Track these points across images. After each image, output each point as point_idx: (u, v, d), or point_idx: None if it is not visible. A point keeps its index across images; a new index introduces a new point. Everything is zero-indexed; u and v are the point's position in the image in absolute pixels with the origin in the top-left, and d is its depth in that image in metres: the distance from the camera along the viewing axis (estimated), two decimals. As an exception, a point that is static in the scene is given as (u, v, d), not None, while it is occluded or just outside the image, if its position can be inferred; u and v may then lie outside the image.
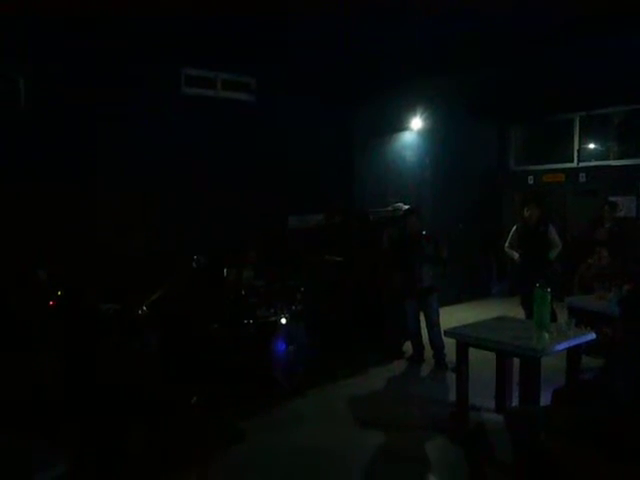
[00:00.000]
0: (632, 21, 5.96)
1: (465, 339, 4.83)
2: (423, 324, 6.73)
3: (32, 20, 5.34)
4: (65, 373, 3.94)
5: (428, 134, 9.52)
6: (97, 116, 6.09)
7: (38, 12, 5.13)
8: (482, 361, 5.26)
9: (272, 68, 7.40)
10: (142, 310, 4.74)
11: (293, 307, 5.93)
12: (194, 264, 5.59)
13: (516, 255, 7.34)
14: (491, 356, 5.09)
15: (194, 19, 5.73)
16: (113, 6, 5.27)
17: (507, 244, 7.52)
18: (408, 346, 7.12)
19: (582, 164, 10.03)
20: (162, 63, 6.61)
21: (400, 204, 8.35)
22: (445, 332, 5.15)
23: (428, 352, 6.79)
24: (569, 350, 4.65)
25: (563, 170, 10.26)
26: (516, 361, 4.89)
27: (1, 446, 2.69)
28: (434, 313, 6.58)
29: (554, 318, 5.62)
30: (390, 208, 8.31)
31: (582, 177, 9.98)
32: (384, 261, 7.12)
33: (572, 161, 10.15)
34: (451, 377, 5.13)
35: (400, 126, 9.24)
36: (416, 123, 9.25)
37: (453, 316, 6.84)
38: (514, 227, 7.62)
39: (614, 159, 9.69)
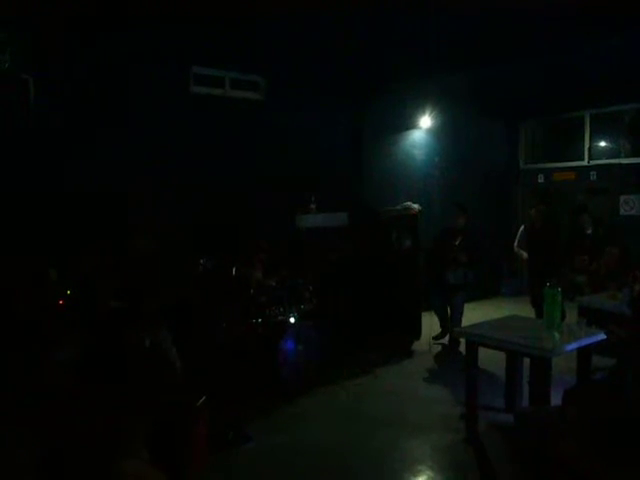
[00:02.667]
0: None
1: (475, 338, 4.80)
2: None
3: (42, 20, 5.36)
4: (75, 371, 3.95)
5: (437, 133, 9.49)
6: (106, 114, 6.10)
7: (48, 11, 5.17)
8: (492, 361, 5.24)
9: (281, 67, 7.39)
10: (152, 309, 4.73)
11: (302, 306, 5.93)
12: (201, 267, 5.61)
13: (525, 254, 7.32)
14: (501, 356, 5.06)
15: (203, 18, 5.73)
16: (123, 5, 5.29)
17: (516, 243, 7.50)
18: (417, 345, 7.13)
19: (593, 162, 9.96)
20: (171, 62, 6.62)
21: (409, 203, 8.32)
22: (455, 331, 5.14)
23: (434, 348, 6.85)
24: (580, 350, 4.61)
25: (574, 168, 10.19)
26: (526, 360, 4.86)
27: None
28: (458, 309, 6.87)
29: (562, 317, 5.60)
30: (399, 207, 8.29)
31: (593, 175, 9.91)
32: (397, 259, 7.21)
33: (583, 159, 10.07)
34: (460, 376, 5.11)
35: (409, 124, 9.21)
36: (425, 121, 9.22)
37: (463, 315, 6.84)
38: (522, 227, 7.60)
39: (625, 157, 9.61)
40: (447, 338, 7.15)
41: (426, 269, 7.26)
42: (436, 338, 7.23)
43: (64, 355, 3.51)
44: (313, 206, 7.65)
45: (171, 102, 6.64)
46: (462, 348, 5.45)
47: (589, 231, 6.96)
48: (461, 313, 6.85)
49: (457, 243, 6.73)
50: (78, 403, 2.91)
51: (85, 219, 5.78)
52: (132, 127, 6.31)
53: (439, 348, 7.00)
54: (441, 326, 7.27)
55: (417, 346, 7.13)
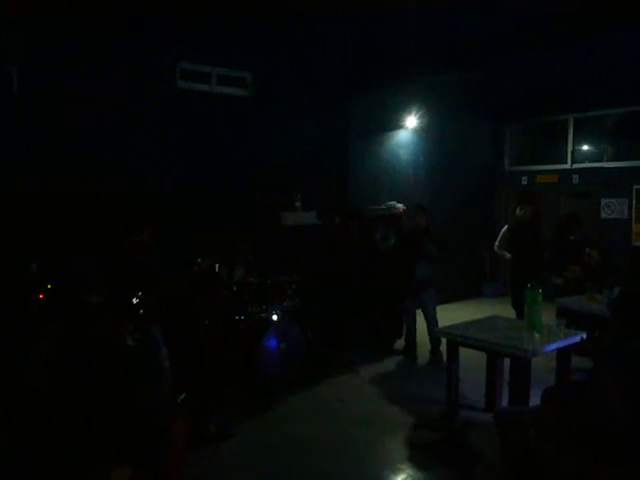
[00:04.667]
0: (625, 22, 5.97)
1: (456, 338, 4.84)
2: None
3: (27, 12, 5.29)
4: (52, 367, 3.91)
5: (423, 133, 9.53)
6: (91, 108, 6.04)
7: (34, 5, 5.10)
8: (472, 360, 5.27)
9: (268, 64, 7.37)
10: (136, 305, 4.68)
11: (285, 304, 5.91)
12: (196, 267, 5.57)
13: (507, 255, 7.36)
14: (482, 355, 5.10)
15: (190, 13, 5.70)
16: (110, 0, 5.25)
17: (497, 244, 7.52)
18: (400, 344, 7.14)
19: (575, 165, 10.07)
20: (158, 57, 6.56)
21: (394, 202, 8.35)
22: (436, 331, 5.15)
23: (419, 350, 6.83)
24: (559, 351, 4.67)
25: (557, 171, 10.30)
26: (506, 360, 4.91)
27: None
28: (430, 308, 6.70)
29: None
30: (384, 206, 8.31)
31: (575, 178, 10.02)
32: (382, 258, 7.15)
33: (566, 162, 10.18)
34: (441, 376, 5.14)
35: (395, 124, 9.24)
36: (411, 122, 9.25)
37: (444, 315, 6.85)
38: (505, 227, 7.65)
39: (607, 161, 9.74)
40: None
41: (395, 268, 7.03)
42: (404, 352, 6.92)
43: (42, 350, 3.48)
44: (299, 204, 7.66)
45: (157, 97, 6.58)
46: (443, 348, 5.49)
47: (572, 237, 7.05)
48: (434, 310, 6.69)
49: (424, 241, 6.66)
50: (49, 402, 2.88)
51: (69, 214, 5.72)
52: (118, 121, 6.25)
53: (421, 347, 7.00)
54: (406, 338, 6.94)
55: (399, 345, 7.15)
